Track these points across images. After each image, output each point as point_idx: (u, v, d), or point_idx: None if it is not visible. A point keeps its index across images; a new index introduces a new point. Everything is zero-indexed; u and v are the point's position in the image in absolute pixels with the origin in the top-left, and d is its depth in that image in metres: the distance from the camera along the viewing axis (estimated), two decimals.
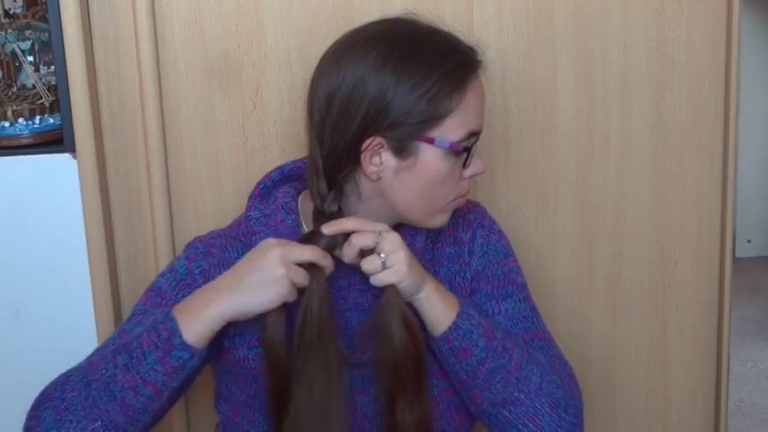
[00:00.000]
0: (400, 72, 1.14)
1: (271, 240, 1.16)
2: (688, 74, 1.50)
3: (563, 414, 1.19)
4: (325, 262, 1.15)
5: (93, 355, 1.20)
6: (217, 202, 1.47)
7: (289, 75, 1.43)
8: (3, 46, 1.51)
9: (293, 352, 1.15)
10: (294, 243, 1.16)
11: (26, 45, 1.51)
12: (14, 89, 1.52)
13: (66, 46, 1.37)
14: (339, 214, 1.19)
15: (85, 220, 1.42)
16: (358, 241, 1.15)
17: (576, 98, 1.49)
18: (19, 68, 1.52)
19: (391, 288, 1.15)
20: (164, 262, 1.42)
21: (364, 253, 1.16)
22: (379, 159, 1.17)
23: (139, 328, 1.16)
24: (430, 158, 1.17)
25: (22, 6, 1.51)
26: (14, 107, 1.48)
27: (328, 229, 1.16)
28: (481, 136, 1.21)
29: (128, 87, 1.42)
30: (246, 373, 1.22)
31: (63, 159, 1.42)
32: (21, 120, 1.48)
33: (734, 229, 3.31)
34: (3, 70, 1.52)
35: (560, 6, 1.46)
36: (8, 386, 1.45)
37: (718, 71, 1.51)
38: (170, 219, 1.45)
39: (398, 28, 1.18)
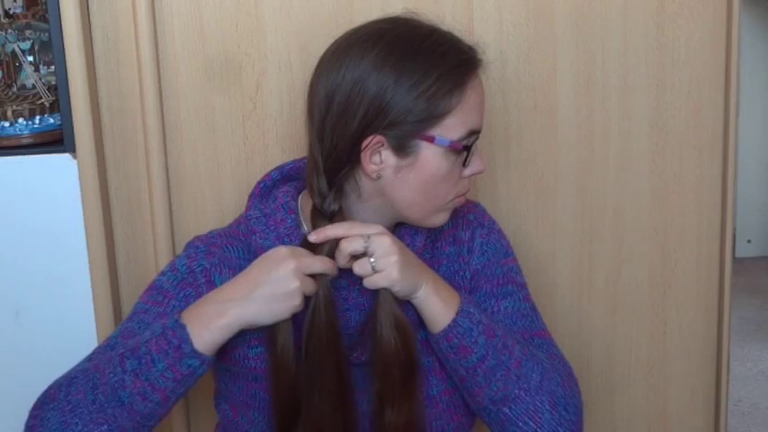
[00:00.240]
0: (400, 71, 1.14)
1: (283, 250, 1.14)
2: (688, 74, 1.50)
3: (563, 412, 1.19)
4: (333, 270, 1.16)
5: (95, 354, 1.20)
6: (217, 202, 1.47)
7: (289, 75, 1.43)
8: (3, 46, 1.51)
9: (301, 358, 1.15)
10: (305, 252, 1.15)
11: (26, 45, 1.51)
12: (14, 89, 1.52)
13: (66, 46, 1.36)
14: (339, 213, 1.19)
15: (85, 221, 1.42)
16: (347, 247, 1.15)
17: (576, 98, 1.49)
18: (19, 68, 1.52)
19: (385, 290, 1.15)
20: (164, 262, 1.42)
21: (357, 255, 1.15)
22: (379, 158, 1.17)
23: (147, 332, 1.16)
24: (430, 157, 1.17)
25: (22, 6, 1.51)
26: (14, 107, 1.48)
27: (314, 237, 1.16)
28: (481, 135, 1.21)
29: (128, 87, 1.42)
30: (246, 373, 1.22)
31: (63, 159, 1.42)
32: (21, 120, 1.48)
33: (734, 230, 3.32)
34: (3, 70, 1.52)
35: (560, 6, 1.46)
36: (8, 386, 1.44)
37: (718, 71, 1.51)
38: (170, 219, 1.45)
39: (398, 27, 1.18)
